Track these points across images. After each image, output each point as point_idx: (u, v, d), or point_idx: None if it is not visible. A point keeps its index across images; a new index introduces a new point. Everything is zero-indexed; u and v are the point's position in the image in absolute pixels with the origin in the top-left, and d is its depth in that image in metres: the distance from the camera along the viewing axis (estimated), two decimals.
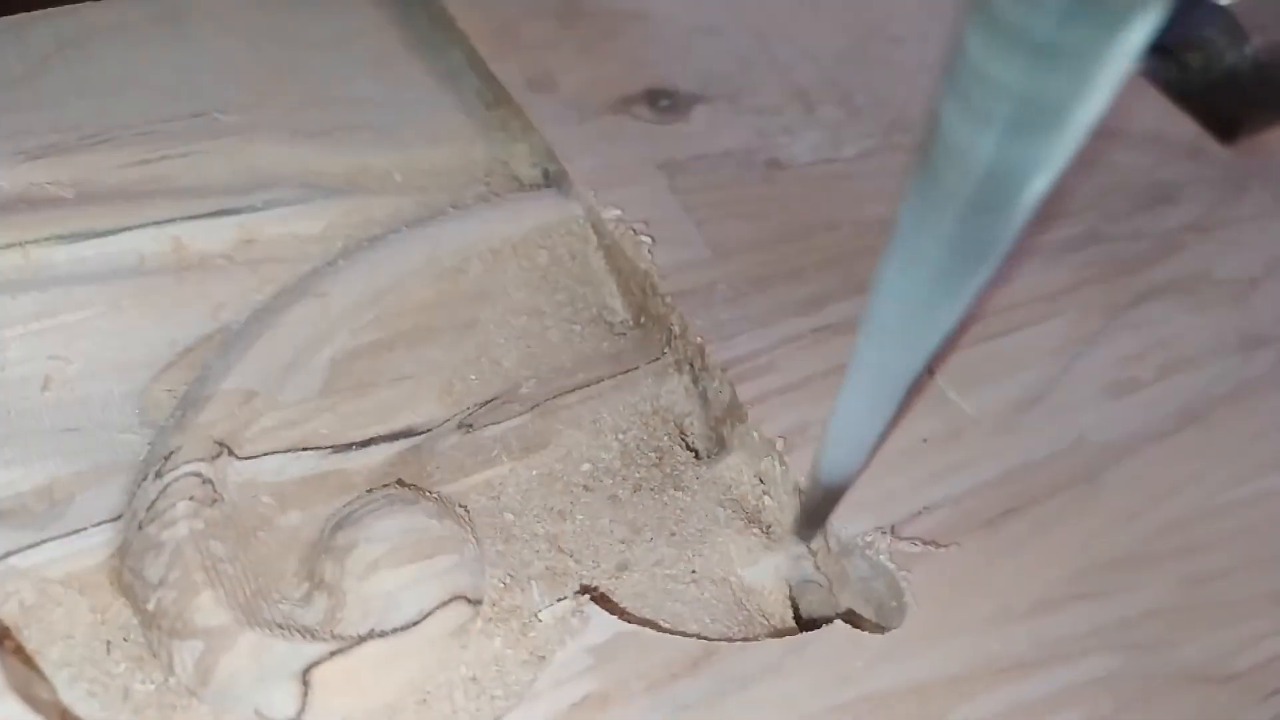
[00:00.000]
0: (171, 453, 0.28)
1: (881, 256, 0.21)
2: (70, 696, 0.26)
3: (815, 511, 0.31)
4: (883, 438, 0.30)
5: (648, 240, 0.36)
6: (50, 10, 0.38)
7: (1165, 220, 0.49)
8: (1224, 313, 0.44)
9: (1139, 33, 0.14)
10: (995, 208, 0.17)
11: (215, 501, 0.28)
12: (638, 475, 0.33)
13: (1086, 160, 0.51)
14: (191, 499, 0.27)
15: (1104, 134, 0.53)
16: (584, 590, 0.29)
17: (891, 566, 0.30)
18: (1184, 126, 0.59)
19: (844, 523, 0.31)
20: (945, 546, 0.31)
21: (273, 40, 0.40)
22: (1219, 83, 0.67)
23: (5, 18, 0.38)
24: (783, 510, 0.32)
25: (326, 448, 0.31)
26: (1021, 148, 0.16)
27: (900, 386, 0.24)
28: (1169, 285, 0.45)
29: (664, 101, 0.42)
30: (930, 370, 0.36)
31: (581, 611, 0.28)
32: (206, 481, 0.28)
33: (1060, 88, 0.15)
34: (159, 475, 0.28)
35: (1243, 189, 0.54)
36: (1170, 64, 0.67)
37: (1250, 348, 0.43)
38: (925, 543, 0.31)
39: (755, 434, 0.33)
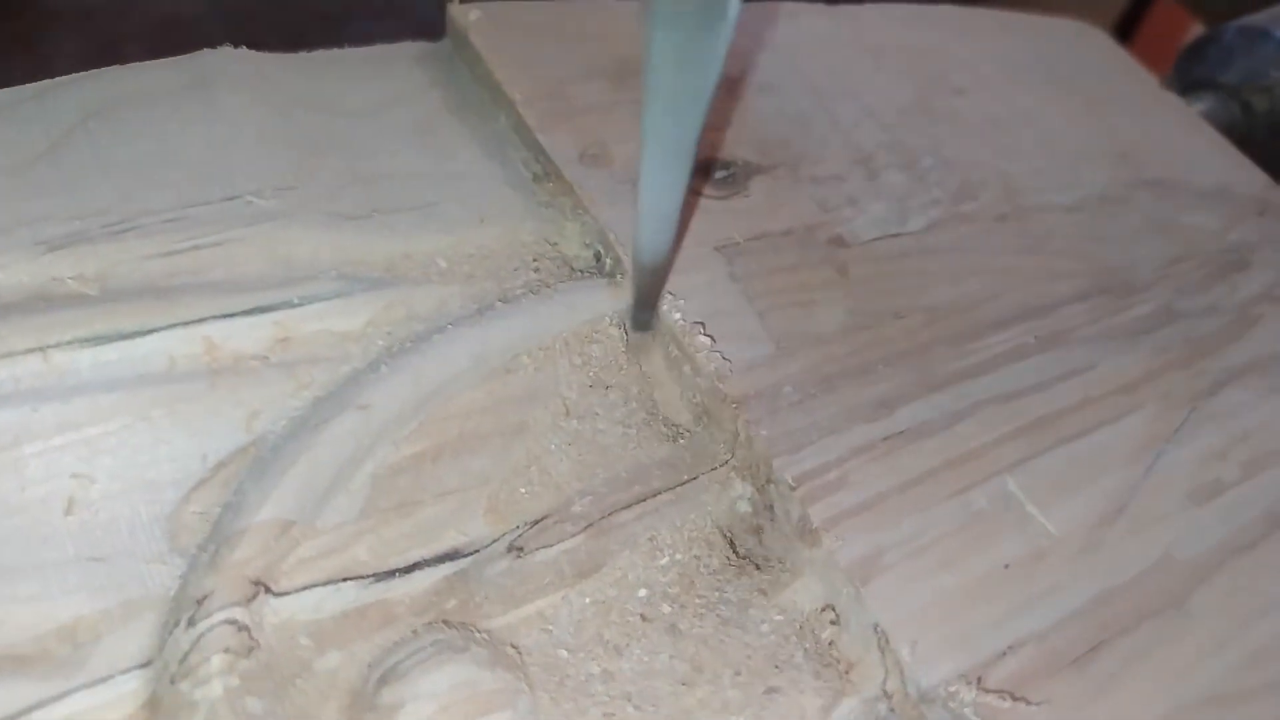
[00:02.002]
0: (205, 596, 0.26)
1: (646, 21, 0.23)
2: None
3: (645, 297, 0.33)
4: (683, 212, 0.30)
5: (708, 340, 0.34)
6: (75, 76, 0.36)
7: (1238, 291, 0.47)
8: None
9: None
10: None
11: (251, 650, 0.26)
12: (698, 601, 0.31)
13: (1154, 224, 0.48)
14: (226, 650, 0.25)
15: (1169, 190, 0.51)
16: None
17: None
18: (1250, 177, 0.56)
19: (925, 668, 0.29)
20: (1037, 704, 0.28)
21: (309, 109, 0.37)
22: None
23: (30, 85, 0.35)
24: (856, 645, 0.30)
25: (368, 577, 0.29)
26: None
27: (689, 145, 0.27)
28: (1247, 367, 0.43)
29: (721, 173, 0.40)
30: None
31: None
32: (242, 629, 0.26)
33: None
34: (191, 623, 0.26)
35: None
36: (1233, 106, 0.64)
37: None
38: (1014, 698, 0.28)
39: (827, 562, 0.30)
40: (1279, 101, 0.63)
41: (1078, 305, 0.42)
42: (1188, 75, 0.68)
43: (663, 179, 0.28)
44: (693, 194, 0.39)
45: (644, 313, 0.33)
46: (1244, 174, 0.56)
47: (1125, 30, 1.28)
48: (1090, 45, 0.62)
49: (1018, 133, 0.50)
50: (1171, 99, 0.61)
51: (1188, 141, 0.57)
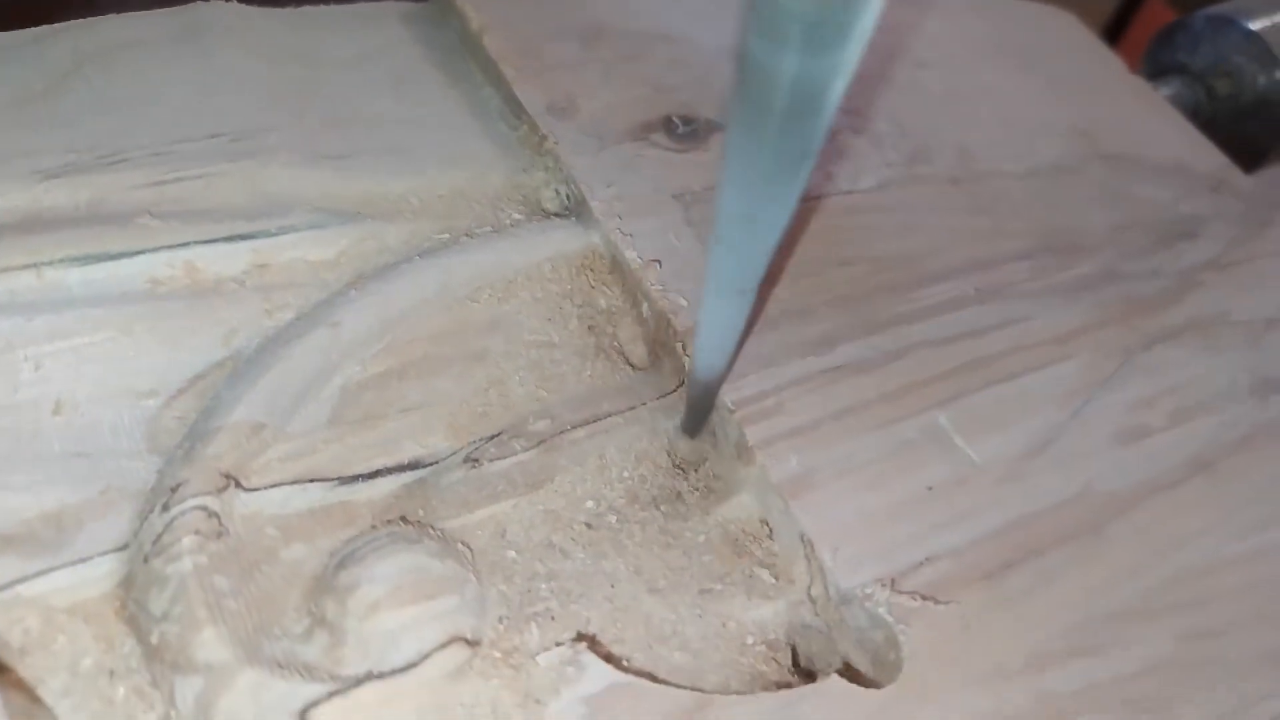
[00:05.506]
0: (179, 485, 0.28)
1: (721, 171, 0.24)
2: None
3: (696, 409, 0.34)
4: (743, 338, 0.33)
5: (662, 275, 0.36)
6: (72, 23, 0.38)
7: (1184, 258, 0.49)
8: (1239, 355, 0.44)
9: None
10: (803, 114, 0.21)
11: (220, 535, 0.28)
12: (642, 514, 0.33)
13: (1107, 194, 0.50)
14: (197, 533, 0.28)
15: (1125, 164, 0.53)
16: (580, 638, 0.29)
17: (890, 620, 0.30)
18: (1209, 157, 0.58)
19: (845, 572, 0.31)
20: (945, 603, 0.31)
21: (294, 59, 0.40)
22: (1248, 110, 0.66)
23: (27, 30, 0.38)
24: (785, 555, 0.32)
25: (333, 479, 0.31)
26: (815, 62, 0.19)
27: (751, 286, 0.28)
28: (1185, 327, 0.45)
29: (682, 128, 0.42)
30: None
31: (578, 660, 0.28)
32: (212, 515, 0.28)
33: (839, 9, 0.18)
34: (165, 508, 0.28)
35: (1266, 224, 0.54)
36: (1198, 89, 0.66)
37: (1264, 392, 0.43)
38: (924, 597, 0.31)
39: (761, 478, 0.33)
40: (1241, 86, 0.65)
41: (1021, 263, 0.44)
42: (1157, 60, 0.70)
43: (723, 314, 0.29)
44: (652, 146, 0.41)
45: (695, 422, 0.34)
46: (1202, 153, 0.58)
47: (1115, 30, 1.30)
48: (1060, 28, 0.64)
49: (977, 105, 0.52)
50: (1137, 81, 0.63)
51: (1148, 120, 0.59)
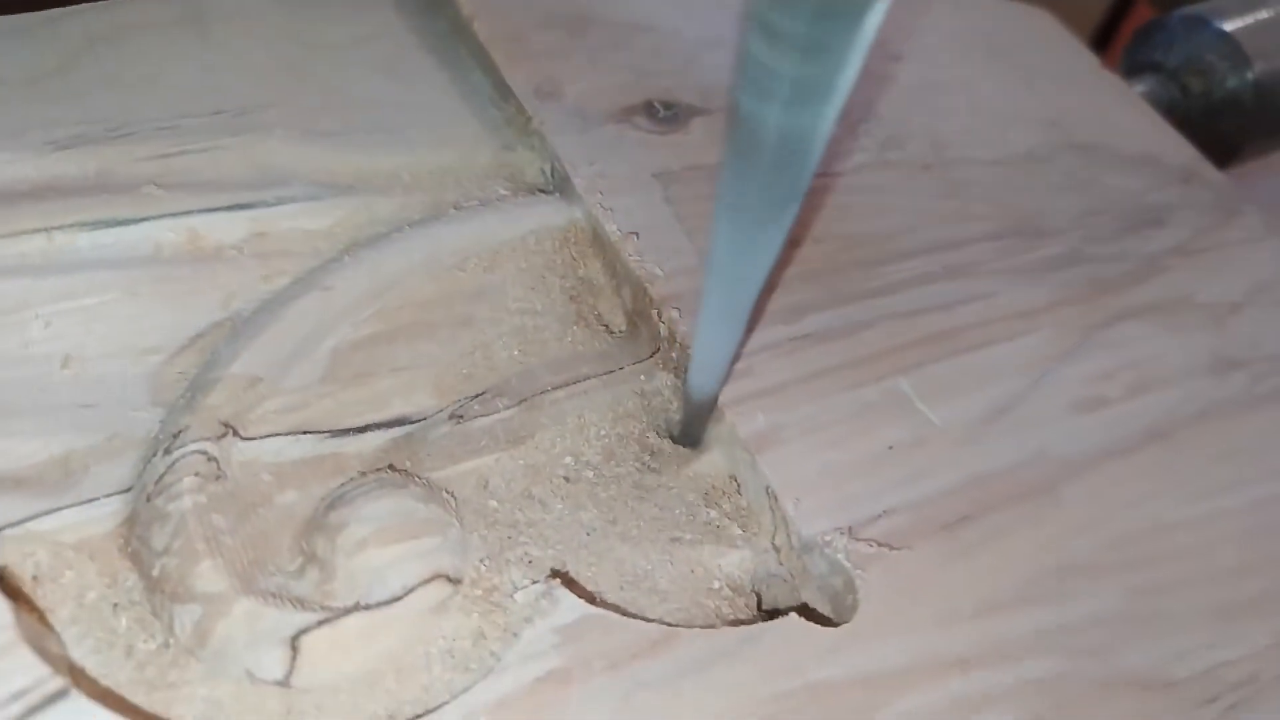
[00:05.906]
0: (180, 431, 0.30)
1: (715, 211, 0.26)
2: (78, 652, 0.28)
3: (690, 424, 0.36)
4: (734, 360, 0.35)
5: (640, 247, 0.38)
6: (83, 6, 0.40)
7: (1150, 243, 0.51)
8: (1200, 335, 0.46)
9: (873, 23, 0.19)
10: (788, 162, 0.23)
11: (218, 478, 0.30)
12: (619, 470, 0.35)
13: (1076, 181, 0.52)
14: (197, 475, 0.30)
15: (1096, 155, 0.55)
16: (555, 574, 0.31)
17: (848, 565, 0.32)
18: (1180, 150, 0.60)
19: (807, 522, 0.33)
20: (899, 549, 0.33)
21: (292, 42, 0.42)
22: (1219, 108, 0.68)
23: (42, 11, 0.40)
24: (752, 507, 0.34)
25: (325, 432, 0.33)
26: (799, 117, 0.21)
27: (742, 314, 0.30)
28: (1148, 307, 0.46)
29: (663, 112, 0.44)
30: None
31: (552, 594, 0.30)
32: (211, 459, 0.30)
33: (821, 70, 0.20)
34: (167, 452, 0.30)
35: (1233, 213, 0.55)
36: (1171, 87, 0.68)
37: (1222, 370, 0.45)
38: (880, 544, 0.33)
39: (730, 435, 0.35)
40: (1213, 84, 0.67)
41: (988, 244, 0.46)
42: (1134, 59, 0.72)
43: (717, 338, 0.31)
44: (634, 129, 0.43)
45: (689, 436, 0.36)
46: (1174, 147, 0.60)
47: (1106, 33, 1.32)
48: (1036, 27, 0.66)
49: (950, 97, 0.54)
50: (1111, 78, 0.65)
51: (1121, 115, 0.61)
